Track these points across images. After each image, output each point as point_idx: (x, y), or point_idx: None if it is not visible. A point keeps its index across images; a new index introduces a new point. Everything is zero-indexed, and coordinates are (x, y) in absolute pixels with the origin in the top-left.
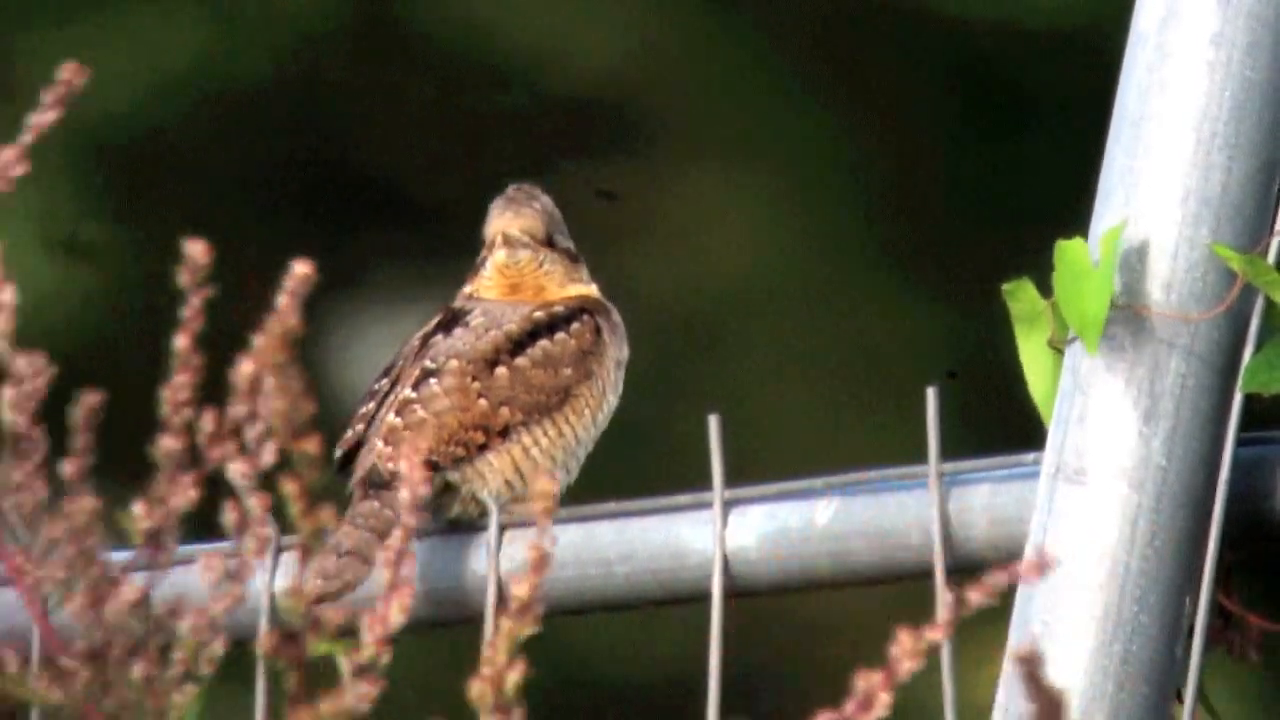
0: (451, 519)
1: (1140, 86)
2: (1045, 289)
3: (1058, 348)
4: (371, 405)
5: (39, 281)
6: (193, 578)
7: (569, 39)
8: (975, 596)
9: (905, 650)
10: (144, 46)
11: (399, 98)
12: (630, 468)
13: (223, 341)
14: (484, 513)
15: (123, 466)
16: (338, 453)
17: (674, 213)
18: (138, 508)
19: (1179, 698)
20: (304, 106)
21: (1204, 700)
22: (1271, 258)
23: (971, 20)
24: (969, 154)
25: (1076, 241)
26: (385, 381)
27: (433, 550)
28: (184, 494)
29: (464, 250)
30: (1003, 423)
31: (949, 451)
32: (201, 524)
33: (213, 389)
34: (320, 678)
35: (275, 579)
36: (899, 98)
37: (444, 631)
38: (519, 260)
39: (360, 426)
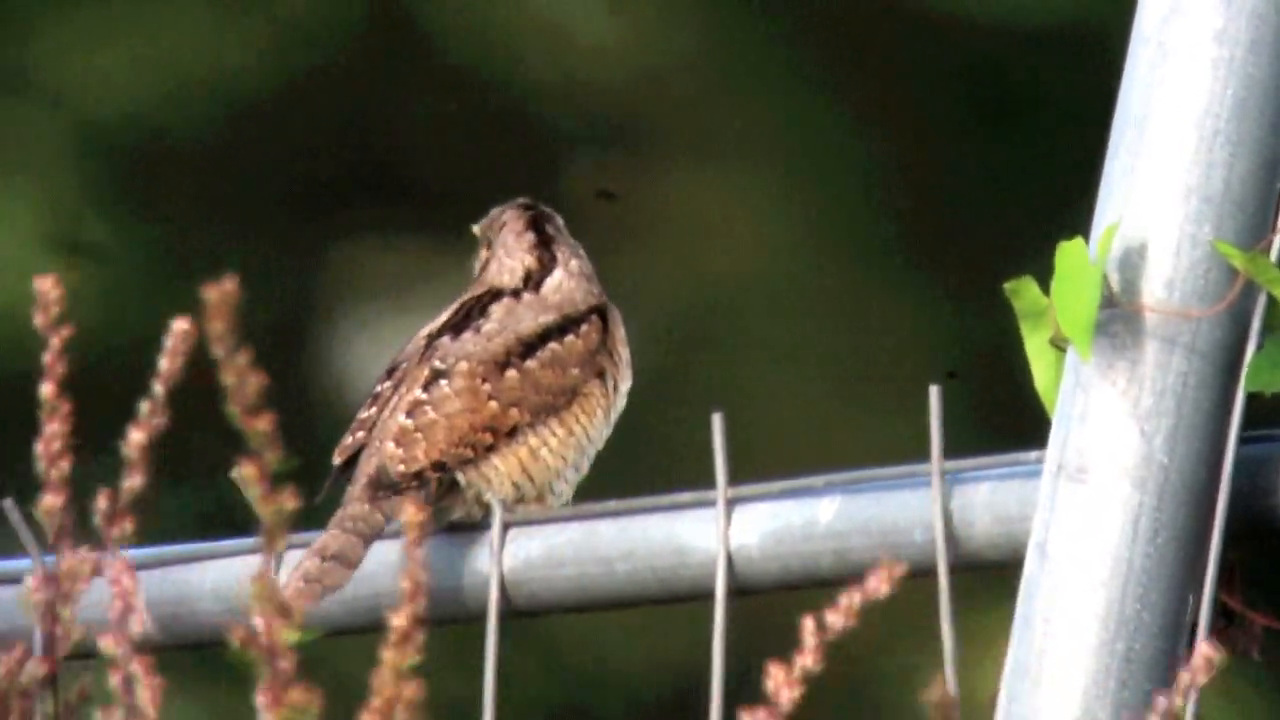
0: (454, 521)
1: (1142, 84)
2: (1049, 287)
3: (1060, 346)
4: (373, 410)
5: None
6: (193, 575)
7: (572, 39)
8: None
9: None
10: (148, 46)
11: (403, 98)
12: (632, 465)
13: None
14: (487, 514)
15: (119, 462)
16: (336, 460)
17: (675, 212)
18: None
19: None
20: (308, 107)
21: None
22: (1274, 255)
23: (975, 19)
24: (972, 152)
25: (1077, 242)
26: (388, 384)
27: (435, 549)
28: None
29: (468, 250)
30: (1005, 421)
31: (951, 450)
32: (204, 523)
33: (215, 391)
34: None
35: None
36: (902, 97)
37: (446, 631)
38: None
39: (360, 433)
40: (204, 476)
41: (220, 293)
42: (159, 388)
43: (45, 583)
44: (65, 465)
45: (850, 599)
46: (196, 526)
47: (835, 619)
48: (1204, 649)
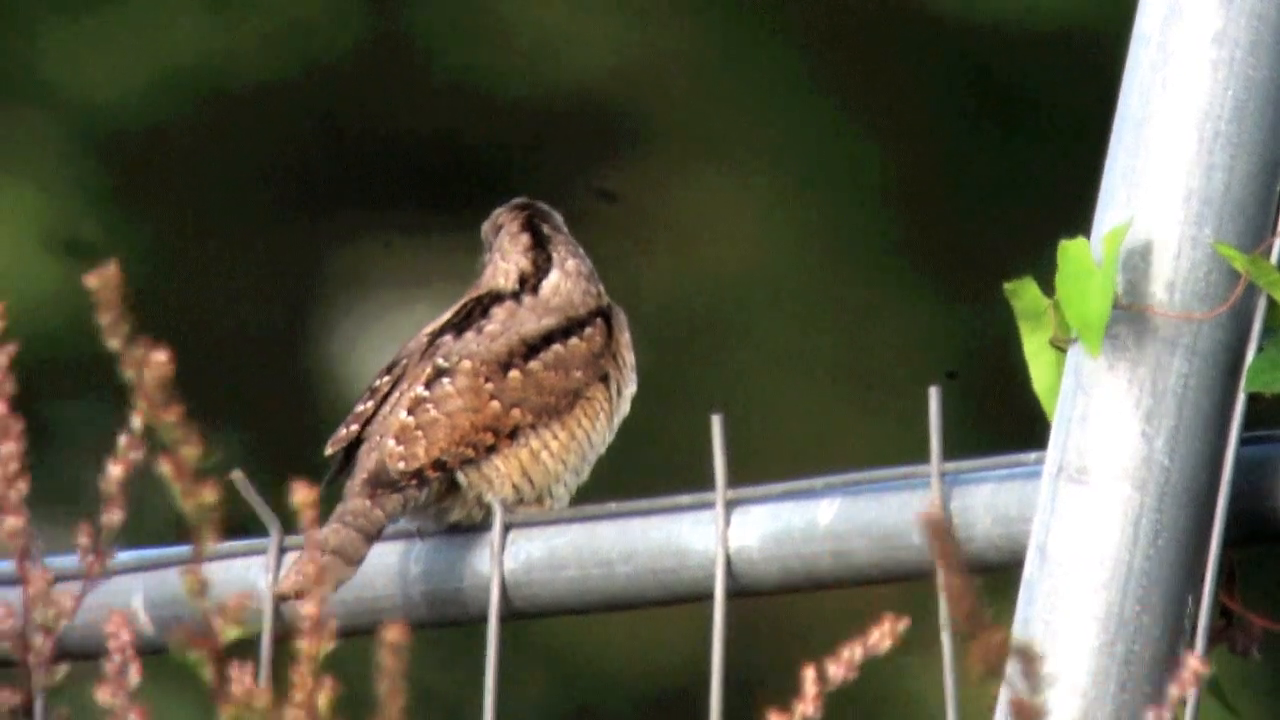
0: (453, 522)
1: (1143, 86)
2: (1049, 288)
3: (1060, 347)
4: (370, 404)
5: (39, 281)
6: None
7: (571, 39)
8: None
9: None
10: (145, 45)
11: (400, 97)
12: (632, 468)
13: (224, 337)
14: (487, 516)
15: None
16: (329, 451)
17: (675, 212)
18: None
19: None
20: (308, 108)
21: (1220, 695)
22: (1274, 257)
23: (977, 21)
24: (973, 154)
25: (1079, 241)
26: (387, 379)
27: (435, 550)
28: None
29: (463, 248)
30: (1005, 422)
31: (951, 451)
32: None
33: (212, 388)
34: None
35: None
36: (903, 98)
37: (445, 631)
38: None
39: (355, 426)
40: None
41: (103, 279)
42: (136, 420)
43: (10, 611)
44: (23, 486)
45: (852, 651)
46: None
47: (836, 670)
48: (1193, 662)
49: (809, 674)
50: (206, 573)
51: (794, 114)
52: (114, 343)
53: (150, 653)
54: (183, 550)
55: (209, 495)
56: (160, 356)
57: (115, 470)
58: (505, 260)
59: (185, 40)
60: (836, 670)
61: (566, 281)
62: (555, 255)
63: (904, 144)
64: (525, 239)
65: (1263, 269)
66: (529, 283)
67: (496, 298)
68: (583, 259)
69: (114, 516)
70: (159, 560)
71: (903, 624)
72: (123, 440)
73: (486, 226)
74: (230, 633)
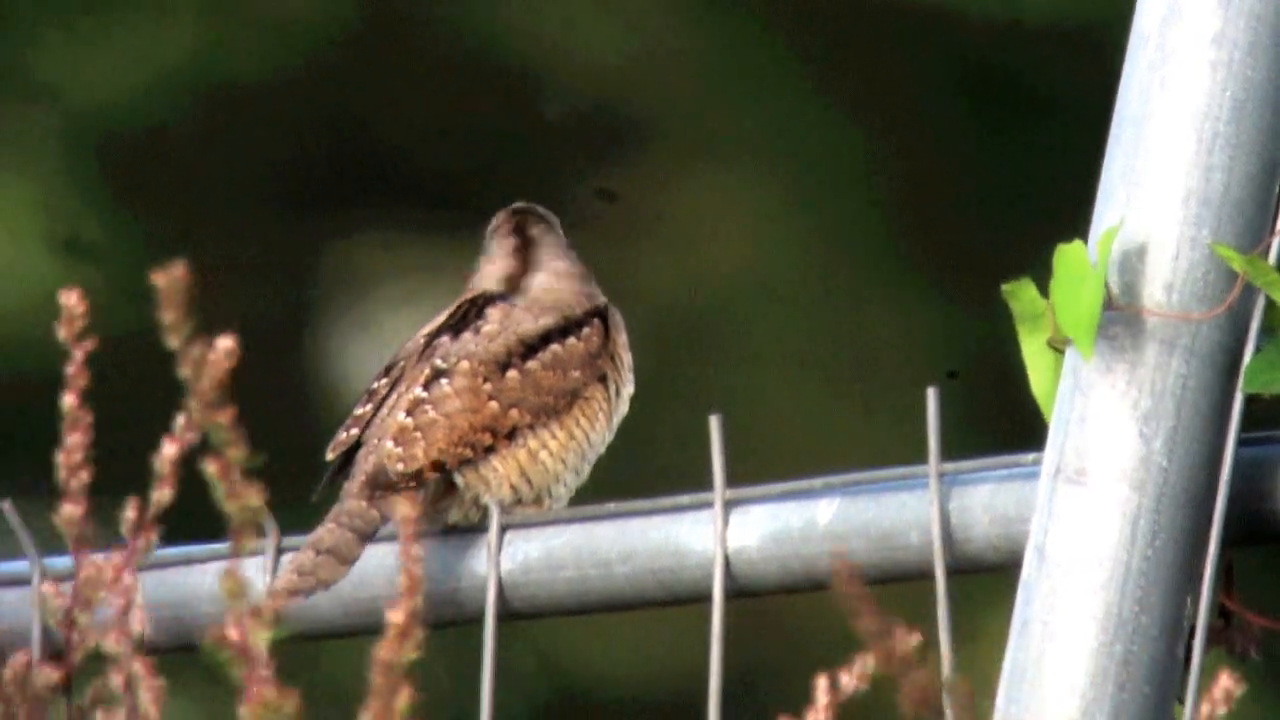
0: (451, 523)
1: (1141, 86)
2: (1048, 289)
3: (1058, 349)
4: (369, 407)
5: (39, 281)
6: (193, 577)
7: (570, 38)
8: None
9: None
10: (144, 44)
11: (400, 96)
12: (631, 468)
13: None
14: (484, 517)
15: (121, 464)
16: (330, 455)
17: (674, 212)
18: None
19: (1180, 699)
20: (304, 103)
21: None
22: (1272, 258)
23: (977, 19)
24: (973, 153)
25: (1076, 245)
26: (384, 382)
27: (432, 551)
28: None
29: (463, 248)
30: (1004, 423)
31: (950, 451)
32: (196, 524)
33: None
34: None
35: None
36: (903, 97)
37: (443, 633)
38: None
39: (354, 430)
40: (201, 478)
41: (170, 279)
42: (192, 403)
43: (60, 589)
44: (85, 476)
45: (864, 663)
46: (195, 528)
47: (849, 681)
48: (1226, 681)
49: (821, 683)
50: (203, 574)
51: (794, 114)
52: (174, 341)
53: (151, 654)
54: (176, 551)
55: (254, 498)
56: (220, 358)
57: (169, 449)
58: (492, 262)
59: (183, 39)
60: (849, 681)
61: (558, 282)
62: (543, 257)
63: (905, 144)
64: (511, 242)
65: (1261, 269)
66: (514, 283)
67: (490, 298)
68: (573, 261)
69: (164, 494)
70: (158, 561)
71: (915, 638)
72: (179, 420)
73: (488, 230)
74: (265, 635)
